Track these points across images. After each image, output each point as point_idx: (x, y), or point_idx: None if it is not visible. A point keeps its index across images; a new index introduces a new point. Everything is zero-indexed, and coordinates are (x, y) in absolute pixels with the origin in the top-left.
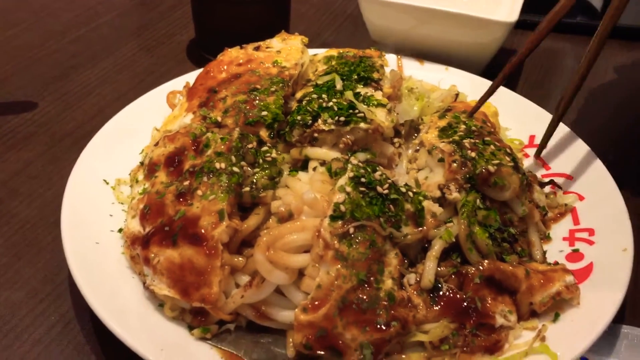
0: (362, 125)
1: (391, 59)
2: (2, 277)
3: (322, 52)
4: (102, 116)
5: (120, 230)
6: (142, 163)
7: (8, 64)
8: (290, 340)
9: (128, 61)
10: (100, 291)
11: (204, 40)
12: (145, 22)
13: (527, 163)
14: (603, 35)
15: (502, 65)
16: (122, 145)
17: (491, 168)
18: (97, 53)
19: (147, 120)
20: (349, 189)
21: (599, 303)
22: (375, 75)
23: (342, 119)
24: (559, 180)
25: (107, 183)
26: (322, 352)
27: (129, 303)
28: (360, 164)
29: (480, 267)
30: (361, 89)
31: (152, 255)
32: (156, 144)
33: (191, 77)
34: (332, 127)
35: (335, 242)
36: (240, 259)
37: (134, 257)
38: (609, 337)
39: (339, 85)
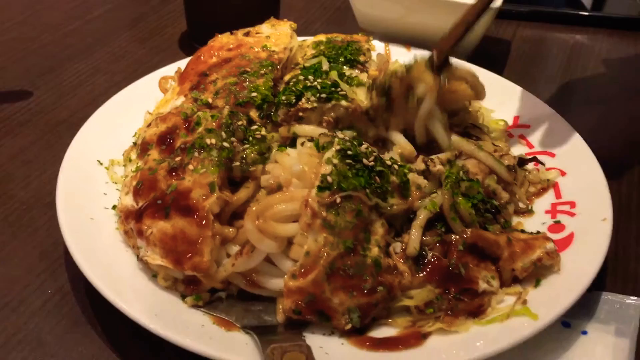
0: (343, 102)
1: (379, 46)
2: None
3: (311, 38)
4: (95, 104)
5: (114, 207)
6: (135, 143)
7: (3, 55)
8: (280, 306)
9: (121, 52)
10: (95, 263)
11: (195, 31)
12: (138, 15)
13: (511, 142)
14: None
15: (487, 53)
16: (116, 128)
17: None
18: (91, 45)
19: (140, 104)
20: (335, 161)
21: (578, 269)
22: (362, 58)
23: (323, 96)
24: (542, 157)
25: (101, 164)
26: (311, 317)
27: (123, 274)
28: (347, 138)
29: (464, 235)
30: (347, 71)
31: (146, 227)
32: (149, 125)
33: (183, 63)
34: (315, 104)
35: (323, 211)
36: (231, 229)
37: (128, 231)
38: (590, 303)
39: (325, 66)
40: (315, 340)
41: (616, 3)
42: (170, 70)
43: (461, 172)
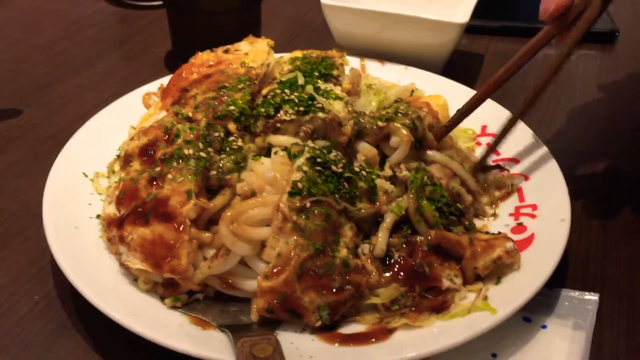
0: (320, 114)
1: (355, 62)
2: None
3: (288, 55)
4: (83, 120)
5: (98, 217)
6: (118, 156)
7: None
8: (254, 305)
9: (108, 71)
10: (79, 269)
11: (180, 50)
12: (125, 36)
13: (479, 150)
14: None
15: (460, 67)
16: (101, 142)
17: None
18: (79, 64)
19: (124, 119)
20: (305, 168)
21: (537, 267)
22: (335, 72)
23: (301, 109)
24: (507, 163)
25: (86, 176)
26: (283, 315)
27: (105, 279)
28: (317, 147)
29: (428, 237)
30: (321, 84)
31: (127, 233)
32: (131, 139)
33: (166, 80)
34: (293, 117)
35: (293, 215)
36: (208, 234)
37: (111, 239)
38: (550, 299)
39: (301, 80)
40: (287, 337)
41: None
42: (153, 86)
43: (425, 177)
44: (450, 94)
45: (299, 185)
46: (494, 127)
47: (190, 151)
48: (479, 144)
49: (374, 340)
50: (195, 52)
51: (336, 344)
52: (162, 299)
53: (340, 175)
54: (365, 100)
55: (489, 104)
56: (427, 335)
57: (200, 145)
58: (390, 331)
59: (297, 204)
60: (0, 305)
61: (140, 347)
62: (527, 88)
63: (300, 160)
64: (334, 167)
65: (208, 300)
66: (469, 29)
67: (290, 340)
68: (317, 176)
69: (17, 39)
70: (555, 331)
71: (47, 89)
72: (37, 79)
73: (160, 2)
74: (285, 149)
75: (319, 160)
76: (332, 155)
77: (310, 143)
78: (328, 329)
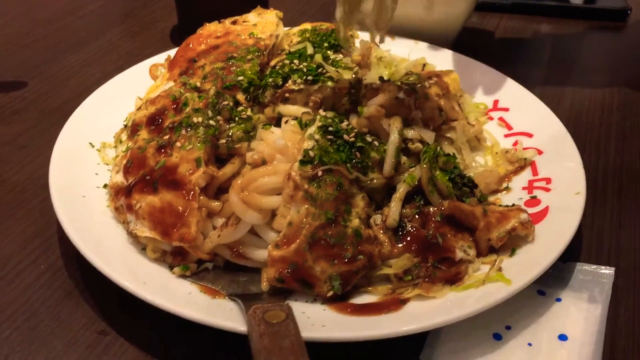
0: (330, 83)
1: (364, 35)
2: None
3: (297, 27)
4: (88, 93)
5: (105, 186)
6: (125, 126)
7: None
8: (264, 275)
9: (113, 45)
10: (87, 238)
11: (186, 24)
12: (129, 10)
13: (490, 124)
14: None
15: (471, 44)
16: (108, 113)
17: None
18: (83, 39)
19: (131, 90)
20: (317, 136)
21: (552, 239)
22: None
23: (310, 78)
24: (520, 138)
25: (93, 146)
26: (294, 285)
27: (114, 248)
28: (328, 115)
29: (441, 207)
30: (331, 54)
31: (135, 202)
32: (139, 108)
33: (173, 52)
34: (302, 86)
35: (305, 183)
36: (217, 203)
37: (118, 207)
38: (565, 273)
39: (310, 50)
40: (298, 307)
41: None
42: (160, 58)
43: (439, 148)
44: (462, 68)
45: (311, 153)
46: (506, 102)
47: (199, 119)
48: (490, 118)
49: (386, 310)
50: (200, 26)
51: (348, 314)
52: (170, 267)
53: (352, 144)
54: (376, 73)
55: (501, 79)
56: (440, 306)
57: (210, 113)
58: (403, 302)
59: (309, 172)
60: (6, 275)
61: (148, 315)
62: (536, 65)
63: (312, 129)
64: (345, 137)
65: (217, 270)
66: (480, 7)
67: (302, 310)
68: (329, 145)
69: (21, 13)
70: (571, 304)
71: (51, 62)
72: (41, 53)
73: None
74: (295, 118)
75: (330, 129)
76: (344, 124)
77: (321, 112)
78: (340, 299)
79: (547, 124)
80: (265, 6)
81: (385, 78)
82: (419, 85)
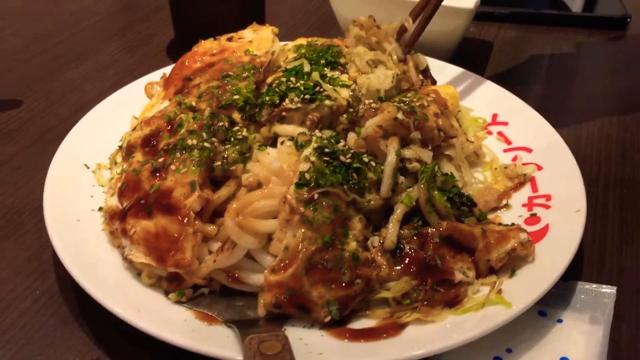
0: (327, 102)
1: None
2: None
3: (292, 43)
4: (85, 111)
5: (100, 209)
6: (120, 147)
7: None
8: (261, 300)
9: (110, 61)
10: (81, 263)
11: (182, 39)
12: (126, 25)
13: (489, 139)
14: None
15: (469, 54)
16: (103, 133)
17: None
18: (80, 54)
19: (126, 110)
20: (313, 158)
21: (552, 259)
22: (342, 60)
23: (307, 97)
24: (519, 153)
25: (88, 167)
26: (291, 310)
27: (108, 273)
28: (324, 136)
29: (440, 228)
30: (328, 72)
31: (129, 226)
32: (134, 129)
33: (168, 69)
34: (299, 105)
35: (301, 207)
36: (212, 227)
37: (113, 232)
38: (566, 293)
39: (306, 67)
40: (295, 333)
41: (606, 4)
42: (156, 76)
43: (436, 167)
44: (460, 82)
45: (307, 176)
46: (505, 116)
47: (194, 141)
48: (489, 132)
49: (385, 335)
50: (197, 41)
51: (346, 340)
52: (166, 293)
53: (349, 165)
54: (383, 75)
55: (500, 92)
56: (440, 331)
57: (204, 135)
58: (401, 326)
59: (305, 196)
60: (0, 300)
61: (144, 342)
62: (535, 76)
63: (308, 150)
64: (342, 158)
65: (214, 295)
66: (478, 16)
67: (299, 336)
68: (325, 167)
69: (18, 29)
70: (572, 325)
71: (47, 78)
72: (37, 69)
73: None
74: (291, 138)
75: (326, 150)
76: (340, 145)
77: (317, 132)
78: (337, 324)
79: (547, 138)
80: (262, 21)
81: (382, 91)
82: (417, 105)
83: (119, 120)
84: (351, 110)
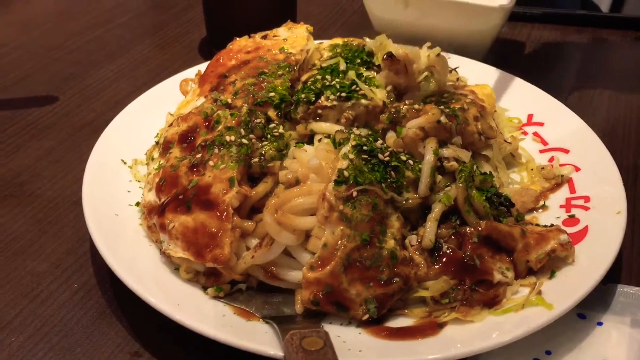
0: (363, 101)
1: None
2: (27, 250)
3: (328, 41)
4: (119, 107)
5: (137, 204)
6: (157, 142)
7: (29, 62)
8: (299, 297)
9: (143, 58)
10: (120, 257)
11: (214, 37)
12: (158, 23)
13: (525, 140)
14: None
15: (502, 54)
16: (139, 129)
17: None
18: (114, 51)
19: (161, 106)
20: (351, 156)
21: (593, 261)
22: (377, 61)
23: (343, 95)
24: (556, 154)
25: (125, 163)
26: (329, 308)
27: (147, 267)
28: (363, 134)
29: (478, 227)
30: (364, 71)
31: (168, 221)
32: (170, 125)
33: (203, 67)
34: (335, 102)
35: (340, 204)
36: (250, 223)
37: (151, 226)
38: (605, 295)
39: (342, 66)
40: (333, 330)
41: (634, 5)
42: (190, 73)
43: (475, 166)
44: (494, 81)
45: (345, 173)
46: (540, 116)
47: (232, 137)
48: (525, 133)
49: (423, 334)
50: (230, 39)
51: (384, 338)
52: (204, 288)
53: (387, 163)
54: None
55: (535, 92)
56: (479, 331)
57: (242, 131)
58: (440, 325)
59: (344, 193)
60: (40, 293)
61: (182, 337)
62: (569, 76)
63: (346, 148)
64: (380, 156)
65: (250, 291)
66: (509, 16)
67: (337, 333)
68: (364, 164)
69: (51, 26)
70: (612, 328)
71: (82, 75)
72: (71, 66)
73: None
74: (328, 136)
75: (365, 148)
76: (379, 143)
77: (355, 130)
78: (375, 323)
79: (584, 139)
80: (294, 19)
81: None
82: (458, 108)
83: (153, 117)
84: (393, 110)
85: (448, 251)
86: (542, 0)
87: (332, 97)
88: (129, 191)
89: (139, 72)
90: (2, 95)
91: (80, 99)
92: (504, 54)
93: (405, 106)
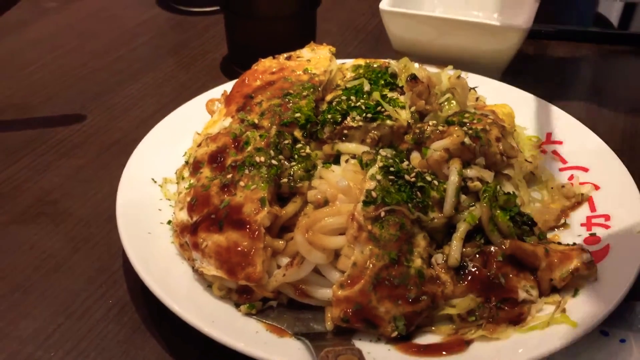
0: (388, 122)
1: None
2: (62, 268)
3: (349, 62)
4: (145, 125)
5: (169, 222)
6: (187, 162)
7: (56, 81)
8: (329, 314)
9: (167, 77)
10: (154, 274)
11: (236, 55)
12: (180, 41)
13: (545, 158)
14: None
15: (518, 72)
16: (167, 149)
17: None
18: (138, 70)
19: (188, 126)
20: (379, 177)
21: (615, 279)
22: (400, 83)
23: (369, 115)
24: (575, 172)
25: (155, 182)
26: (359, 325)
27: (180, 284)
28: (389, 155)
29: (503, 247)
30: (388, 93)
31: (201, 240)
32: (199, 145)
33: (227, 86)
34: (360, 123)
35: (368, 224)
36: (281, 242)
37: (183, 244)
38: (627, 313)
39: (367, 87)
40: (363, 347)
41: None
42: (216, 93)
43: (498, 187)
44: (512, 100)
45: (373, 194)
46: (559, 135)
47: (262, 158)
48: (544, 151)
49: (451, 351)
50: (251, 57)
51: (413, 355)
52: (236, 305)
53: (413, 184)
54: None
55: (553, 110)
56: (505, 348)
57: (272, 152)
58: (467, 343)
59: (372, 213)
60: (76, 310)
61: (215, 353)
62: (585, 94)
63: (374, 169)
64: (406, 177)
65: (281, 308)
66: None
67: (367, 350)
68: (390, 185)
69: (75, 46)
70: (635, 345)
71: (108, 94)
72: (97, 85)
73: (213, 8)
74: (354, 156)
75: (392, 169)
76: (405, 164)
77: (382, 152)
78: (403, 339)
79: (603, 157)
80: (313, 38)
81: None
82: (480, 129)
83: (181, 136)
84: (417, 131)
85: (473, 270)
86: (555, 17)
87: (357, 117)
88: (159, 209)
89: (163, 91)
90: (30, 114)
91: (107, 117)
92: (520, 71)
93: (430, 127)
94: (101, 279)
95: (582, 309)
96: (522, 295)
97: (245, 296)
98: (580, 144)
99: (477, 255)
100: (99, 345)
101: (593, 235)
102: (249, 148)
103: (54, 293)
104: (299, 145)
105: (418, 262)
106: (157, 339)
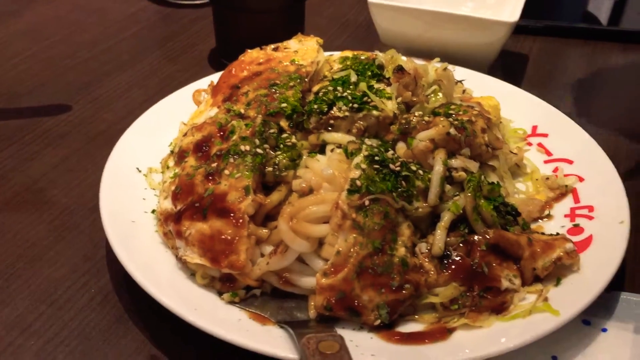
0: (374, 112)
1: None
2: (45, 256)
3: (337, 53)
4: (131, 117)
5: (153, 212)
6: (172, 152)
7: (43, 72)
8: (312, 302)
9: (154, 69)
10: (138, 262)
11: (224, 48)
12: (168, 34)
13: (530, 150)
14: None
15: (505, 66)
16: (153, 138)
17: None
18: (125, 62)
19: (174, 116)
20: (364, 166)
21: (597, 268)
22: (387, 74)
23: (355, 106)
24: (560, 164)
25: (140, 171)
26: (342, 313)
27: (163, 273)
28: (374, 145)
29: (487, 236)
30: (374, 84)
31: (184, 228)
32: (185, 135)
33: (215, 77)
34: (347, 113)
35: (353, 213)
36: (265, 230)
37: (167, 233)
38: (610, 302)
39: (353, 78)
40: (345, 335)
41: (632, 18)
42: (203, 83)
43: (483, 176)
44: (499, 93)
45: (358, 182)
46: (545, 128)
47: (247, 147)
48: (529, 144)
49: (434, 339)
50: (239, 50)
51: (396, 343)
52: (219, 293)
53: (398, 173)
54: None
55: (539, 104)
56: (487, 336)
57: (257, 141)
58: (449, 331)
59: (356, 202)
60: (58, 298)
61: (199, 341)
62: (571, 89)
63: (359, 158)
64: (391, 166)
65: (265, 296)
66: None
67: (350, 338)
68: (375, 174)
69: (63, 37)
70: (616, 335)
71: (94, 85)
72: (84, 75)
73: (202, 1)
74: (339, 146)
75: (376, 158)
76: (390, 153)
77: (367, 141)
78: (386, 328)
79: (588, 150)
80: (302, 31)
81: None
82: (466, 120)
83: (166, 126)
84: (403, 121)
85: (457, 259)
86: (544, 13)
87: (344, 108)
88: (144, 199)
89: (150, 82)
90: (17, 104)
91: (93, 108)
92: (508, 66)
93: (415, 118)
94: (84, 268)
95: (564, 298)
96: (505, 284)
97: (228, 284)
98: (565, 137)
99: (461, 245)
100: (80, 333)
101: (576, 226)
102: (234, 137)
103: (37, 282)
104: (284, 135)
105: (402, 250)
106: (139, 328)
